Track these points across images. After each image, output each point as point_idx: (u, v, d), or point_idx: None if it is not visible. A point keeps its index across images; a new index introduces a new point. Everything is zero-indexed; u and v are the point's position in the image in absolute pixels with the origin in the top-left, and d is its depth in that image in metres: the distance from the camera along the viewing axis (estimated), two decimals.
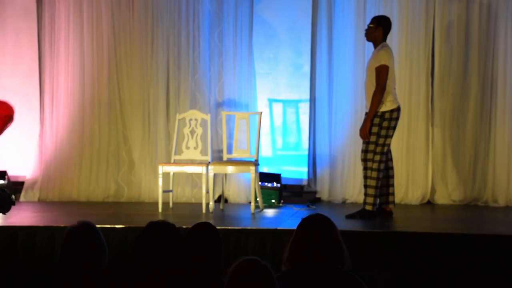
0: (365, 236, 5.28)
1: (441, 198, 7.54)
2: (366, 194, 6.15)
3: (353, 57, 7.59)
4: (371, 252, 5.13)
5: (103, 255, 3.09)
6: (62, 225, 5.46)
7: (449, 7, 7.53)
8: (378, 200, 6.16)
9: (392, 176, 6.33)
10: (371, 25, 6.22)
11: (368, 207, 6.12)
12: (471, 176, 7.52)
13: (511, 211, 7.10)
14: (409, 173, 7.58)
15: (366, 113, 6.18)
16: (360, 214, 6.12)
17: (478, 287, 4.87)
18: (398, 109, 6.15)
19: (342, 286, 2.84)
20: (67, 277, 3.02)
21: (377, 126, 6.09)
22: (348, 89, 7.62)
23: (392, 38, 7.59)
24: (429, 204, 7.54)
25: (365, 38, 6.38)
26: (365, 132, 6.06)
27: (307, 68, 7.78)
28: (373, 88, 6.08)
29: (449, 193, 7.53)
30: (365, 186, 6.16)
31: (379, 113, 6.08)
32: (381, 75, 6.05)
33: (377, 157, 6.09)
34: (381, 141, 6.10)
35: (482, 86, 7.52)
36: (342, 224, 5.82)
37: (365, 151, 6.11)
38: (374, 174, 6.10)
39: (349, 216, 6.08)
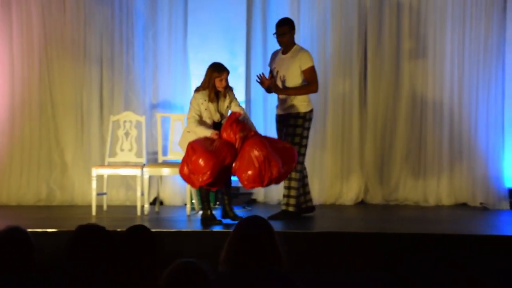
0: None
1: (374, 198, 7.67)
2: (288, 196, 6.20)
3: None
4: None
5: (33, 260, 3.02)
6: None
7: (380, 10, 7.67)
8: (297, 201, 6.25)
9: (307, 176, 6.42)
10: (285, 31, 6.23)
11: (291, 208, 6.19)
12: (403, 176, 7.67)
13: (440, 210, 7.28)
14: (343, 174, 7.68)
15: (285, 115, 6.24)
16: (284, 215, 6.16)
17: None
18: (313, 110, 6.32)
19: (278, 287, 2.85)
20: None
21: (301, 128, 6.18)
22: None
23: (326, 40, 7.68)
24: (362, 204, 7.65)
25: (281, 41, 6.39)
26: (267, 84, 6.17)
27: (242, 70, 7.79)
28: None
29: (382, 193, 7.67)
30: (289, 187, 6.20)
31: (301, 114, 6.19)
32: (314, 75, 6.20)
33: (300, 159, 6.17)
34: (304, 142, 6.21)
35: (413, 87, 7.69)
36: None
37: None
38: (298, 175, 6.17)
39: (272, 218, 6.06)
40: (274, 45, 7.65)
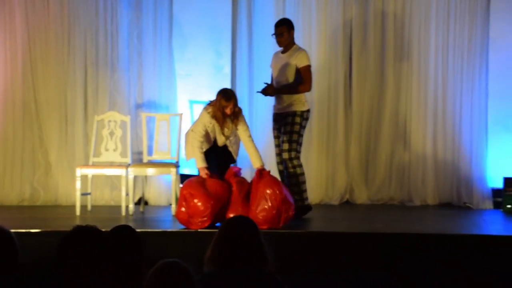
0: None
1: (359, 198, 7.69)
2: (302, 191, 6.23)
3: None
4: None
5: (16, 260, 2.99)
6: None
7: (366, 11, 7.69)
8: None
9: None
10: (283, 31, 6.28)
11: (307, 202, 6.26)
12: (388, 176, 7.70)
13: (425, 210, 7.30)
14: (328, 174, 7.70)
15: (282, 114, 6.25)
16: (302, 210, 6.19)
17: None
18: (309, 111, 6.38)
19: (264, 287, 2.85)
20: None
21: (298, 125, 6.24)
22: None
23: (311, 40, 7.69)
24: (347, 204, 7.66)
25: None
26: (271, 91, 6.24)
27: (227, 69, 7.78)
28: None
29: (367, 193, 7.69)
30: (298, 183, 6.21)
31: (298, 113, 6.25)
32: (309, 74, 6.27)
33: (298, 155, 6.27)
34: (300, 140, 6.30)
35: (398, 88, 7.72)
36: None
37: (289, 150, 6.20)
38: (302, 170, 6.25)
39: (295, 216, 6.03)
40: (259, 44, 7.69)
